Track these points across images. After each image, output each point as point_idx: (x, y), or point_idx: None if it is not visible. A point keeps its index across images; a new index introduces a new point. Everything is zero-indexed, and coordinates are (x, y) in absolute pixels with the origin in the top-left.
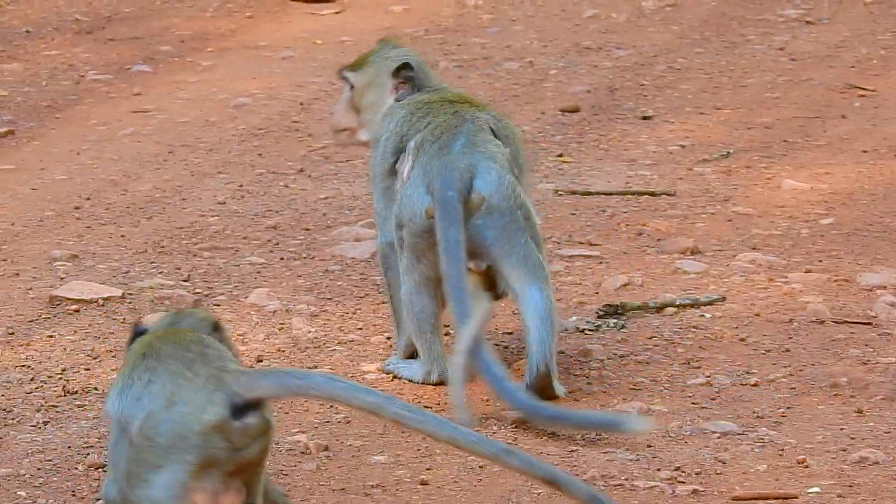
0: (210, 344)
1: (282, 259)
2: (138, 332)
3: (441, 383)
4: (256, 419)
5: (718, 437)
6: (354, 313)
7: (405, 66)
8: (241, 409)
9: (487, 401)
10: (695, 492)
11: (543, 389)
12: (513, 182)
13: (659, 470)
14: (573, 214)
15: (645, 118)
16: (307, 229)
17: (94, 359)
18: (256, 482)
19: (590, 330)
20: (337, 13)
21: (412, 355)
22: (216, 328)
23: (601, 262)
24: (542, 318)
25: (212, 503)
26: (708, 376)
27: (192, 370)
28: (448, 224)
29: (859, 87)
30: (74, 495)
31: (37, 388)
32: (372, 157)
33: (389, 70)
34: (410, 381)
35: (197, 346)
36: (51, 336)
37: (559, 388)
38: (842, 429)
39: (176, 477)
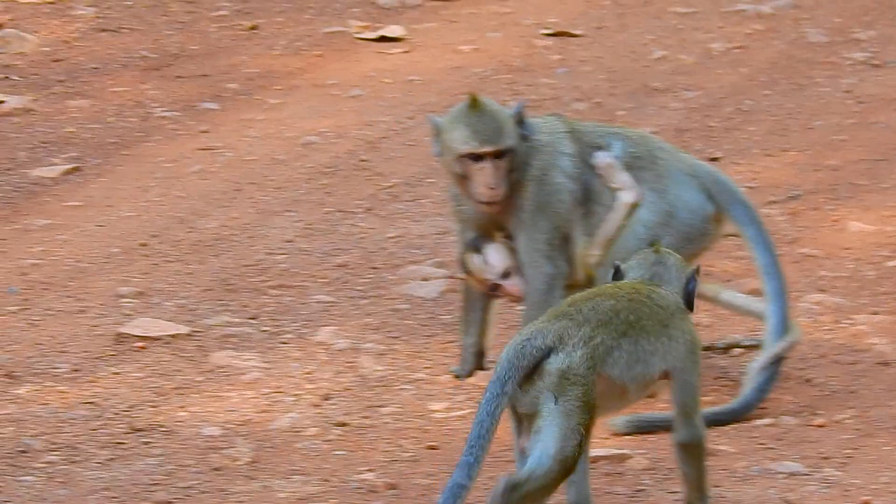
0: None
1: (350, 297)
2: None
3: None
4: None
5: (784, 478)
6: (422, 352)
7: None
8: None
9: None
10: None
11: None
12: None
13: None
14: None
15: (713, 160)
16: (375, 268)
17: (161, 396)
18: None
19: None
20: (405, 52)
21: None
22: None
23: None
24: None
25: None
26: (774, 417)
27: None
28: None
29: None
30: None
31: (103, 424)
32: None
33: None
34: None
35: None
36: (117, 373)
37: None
38: None
39: None
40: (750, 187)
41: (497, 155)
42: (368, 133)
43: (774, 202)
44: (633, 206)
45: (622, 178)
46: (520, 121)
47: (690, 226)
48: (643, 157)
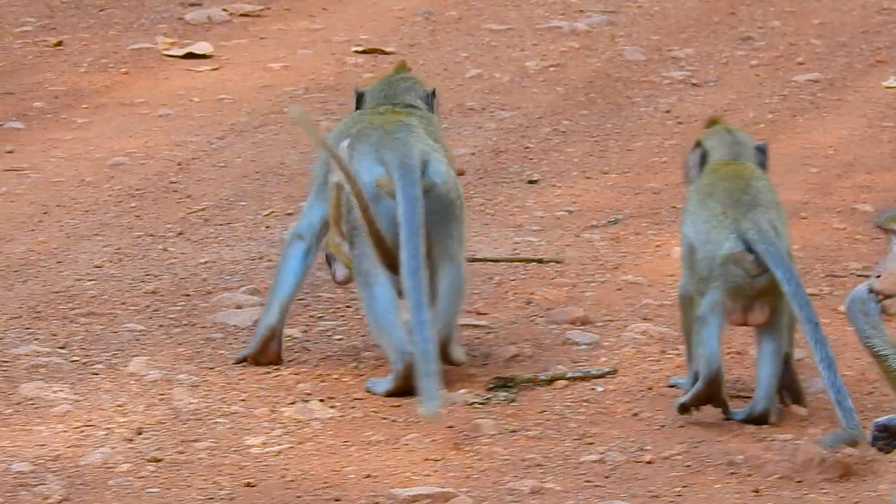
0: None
1: (161, 326)
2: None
3: None
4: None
5: None
6: (238, 384)
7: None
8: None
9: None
10: None
11: (443, 356)
12: (455, 176)
13: None
14: None
15: (531, 182)
16: (187, 295)
17: None
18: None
19: (479, 403)
20: (214, 70)
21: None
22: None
23: (490, 333)
24: (452, 295)
25: (742, 319)
26: (601, 453)
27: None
28: (412, 194)
29: None
30: None
31: None
32: None
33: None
34: None
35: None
36: None
37: (457, 354)
38: None
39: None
40: (569, 211)
41: None
42: (178, 154)
43: (595, 226)
44: (338, 187)
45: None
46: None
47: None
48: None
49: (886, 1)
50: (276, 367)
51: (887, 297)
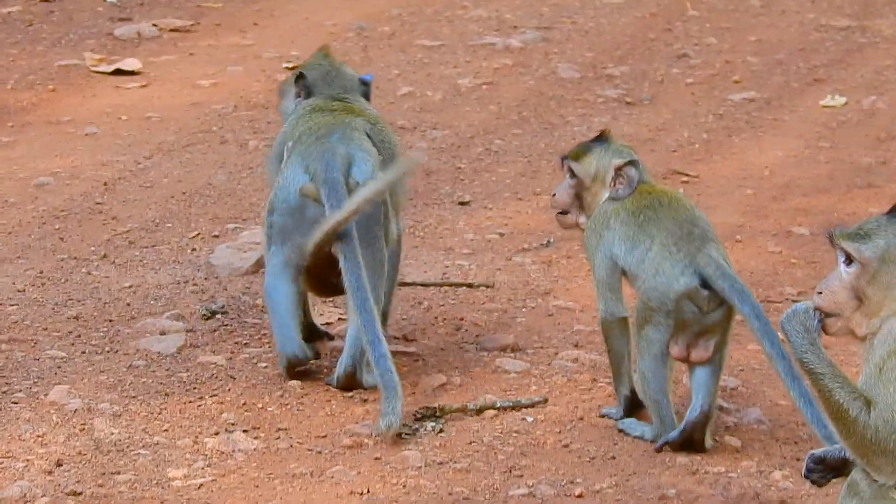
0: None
1: (84, 353)
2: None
3: None
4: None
5: None
6: (160, 413)
7: (631, 162)
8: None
9: None
10: None
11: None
12: (380, 174)
13: None
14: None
15: (462, 203)
16: (110, 320)
17: None
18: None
19: (406, 434)
20: (143, 87)
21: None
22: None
23: (418, 360)
24: (363, 310)
25: (683, 355)
26: (531, 486)
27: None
28: (336, 203)
29: (682, 173)
30: None
31: None
32: None
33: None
34: None
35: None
36: None
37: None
38: None
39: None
40: (501, 234)
41: None
42: (104, 174)
43: (526, 250)
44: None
45: None
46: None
47: None
48: None
49: (824, 18)
50: (199, 395)
51: (828, 315)
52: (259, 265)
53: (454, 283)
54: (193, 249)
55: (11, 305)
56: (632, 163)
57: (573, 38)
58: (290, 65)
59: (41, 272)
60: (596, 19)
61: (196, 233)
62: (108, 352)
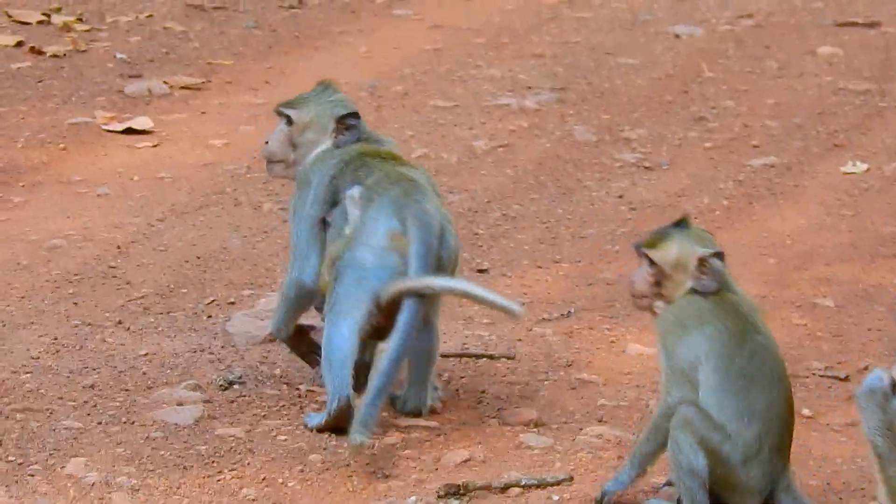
0: None
1: (100, 423)
2: None
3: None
4: None
5: None
6: (179, 488)
7: (353, 114)
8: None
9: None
10: None
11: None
12: (460, 248)
13: None
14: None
15: (480, 271)
16: (126, 390)
17: None
18: None
19: None
20: (154, 146)
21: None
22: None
23: (440, 434)
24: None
25: None
26: None
27: None
28: (422, 266)
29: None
30: None
31: None
32: (299, 197)
33: (334, 115)
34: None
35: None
36: None
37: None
38: None
39: None
40: (520, 303)
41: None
42: (117, 236)
43: (547, 320)
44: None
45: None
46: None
47: None
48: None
49: (842, 81)
50: (218, 469)
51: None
52: None
53: (474, 354)
54: (209, 316)
55: (26, 373)
56: (717, 254)
57: (589, 99)
58: None
59: (55, 338)
60: (611, 80)
61: (212, 299)
62: (124, 423)
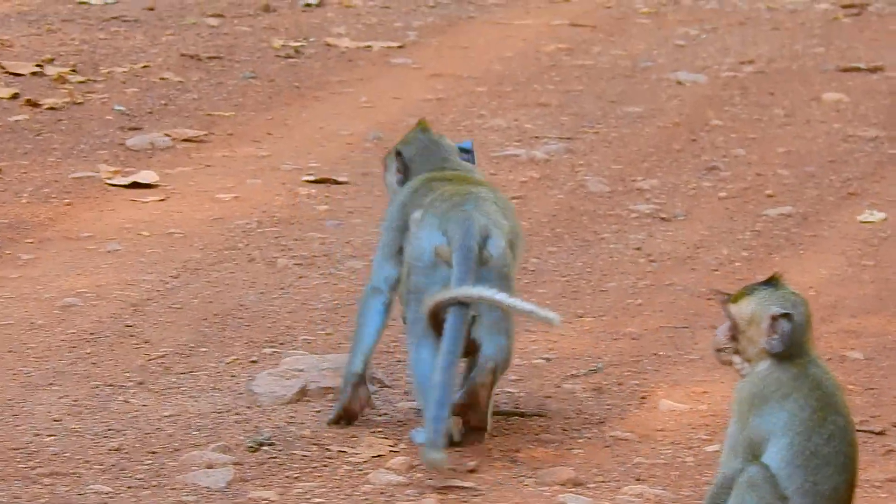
0: None
1: (130, 488)
2: None
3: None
4: None
5: None
6: None
7: (786, 315)
8: None
9: None
10: None
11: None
12: (510, 252)
13: None
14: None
15: None
16: (153, 452)
17: None
18: None
19: None
20: (161, 200)
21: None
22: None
23: (476, 495)
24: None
25: None
26: None
27: None
28: (465, 271)
29: (726, 293)
30: None
31: None
32: (386, 215)
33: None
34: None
35: None
36: None
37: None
38: None
39: None
40: (547, 359)
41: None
42: (131, 294)
43: (575, 376)
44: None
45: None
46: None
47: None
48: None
49: (850, 128)
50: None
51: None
52: (303, 393)
53: (506, 412)
54: (232, 376)
55: (49, 436)
56: (786, 315)
57: (598, 149)
58: (311, 178)
59: (76, 400)
60: (619, 129)
61: (233, 358)
62: (154, 486)
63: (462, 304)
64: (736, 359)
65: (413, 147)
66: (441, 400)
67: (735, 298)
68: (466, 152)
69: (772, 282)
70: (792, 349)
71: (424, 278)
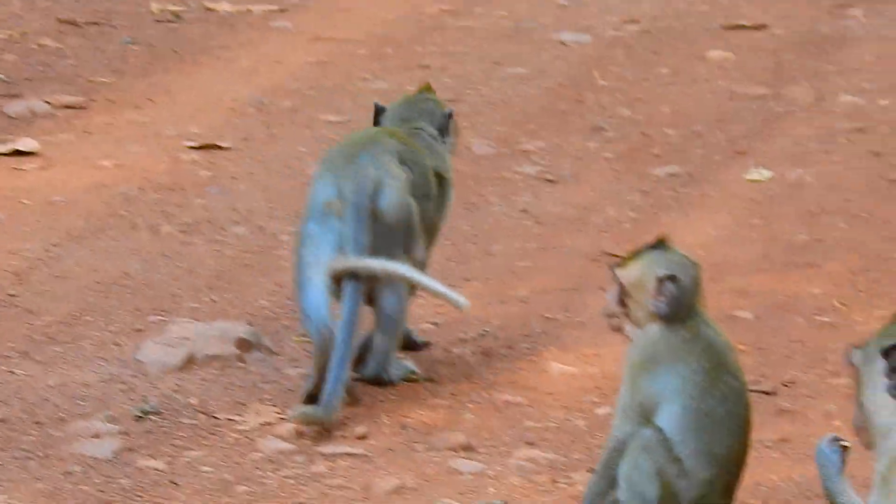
0: None
1: (16, 458)
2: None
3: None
4: None
5: None
6: None
7: (671, 277)
8: None
9: None
10: None
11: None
12: (409, 205)
13: None
14: None
15: None
16: (39, 423)
17: None
18: None
19: None
20: (42, 168)
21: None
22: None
23: (367, 461)
24: (397, 320)
25: None
26: None
27: None
28: (357, 229)
29: (613, 255)
30: None
31: None
32: None
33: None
34: None
35: None
36: None
37: (397, 375)
38: None
39: None
40: (435, 324)
41: None
42: (13, 263)
43: (464, 340)
44: None
45: None
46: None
47: None
48: None
49: (736, 86)
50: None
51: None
52: (190, 361)
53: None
54: (117, 344)
55: None
56: (672, 277)
57: (482, 110)
58: (193, 143)
59: None
60: (502, 91)
61: (118, 326)
62: (41, 457)
63: (357, 283)
64: (627, 325)
65: (396, 103)
66: (338, 365)
67: (623, 262)
68: (445, 117)
69: (659, 244)
70: (680, 311)
71: (317, 226)
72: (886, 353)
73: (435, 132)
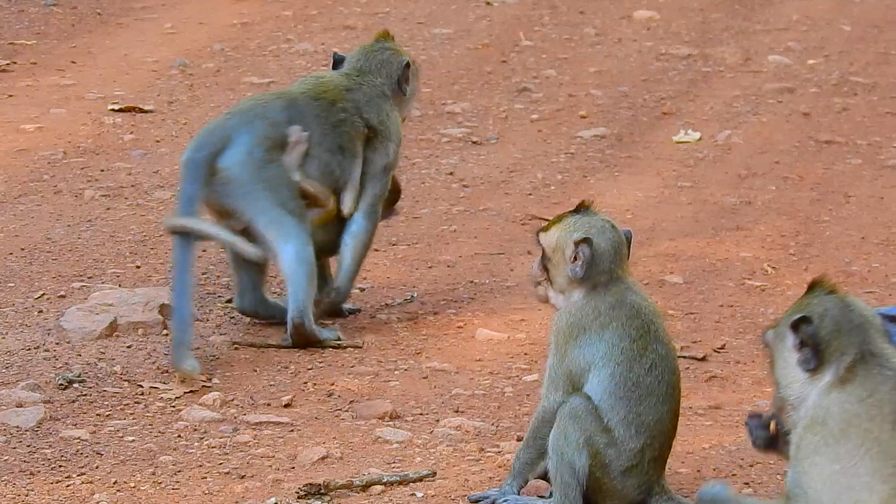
0: None
1: None
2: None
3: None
4: None
5: None
6: (27, 495)
7: (585, 240)
8: None
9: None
10: None
11: (303, 338)
12: (260, 159)
13: None
14: (254, 372)
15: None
16: None
17: None
18: None
19: None
20: None
21: None
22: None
23: (293, 430)
24: (294, 273)
25: None
26: None
27: None
28: (189, 182)
29: (540, 218)
30: None
31: None
32: None
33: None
34: None
35: None
36: None
37: (322, 333)
38: None
39: None
40: (360, 288)
41: None
42: None
43: (390, 305)
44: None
45: None
46: None
47: None
48: None
49: (662, 46)
50: (66, 475)
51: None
52: (113, 328)
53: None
54: (40, 311)
55: None
56: (586, 240)
57: None
58: (116, 106)
59: None
60: (427, 51)
61: (41, 293)
62: None
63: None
64: (551, 292)
65: (355, 52)
66: (177, 313)
67: (546, 227)
68: (402, 67)
69: (581, 209)
70: (598, 276)
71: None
72: (794, 325)
73: (386, 81)
